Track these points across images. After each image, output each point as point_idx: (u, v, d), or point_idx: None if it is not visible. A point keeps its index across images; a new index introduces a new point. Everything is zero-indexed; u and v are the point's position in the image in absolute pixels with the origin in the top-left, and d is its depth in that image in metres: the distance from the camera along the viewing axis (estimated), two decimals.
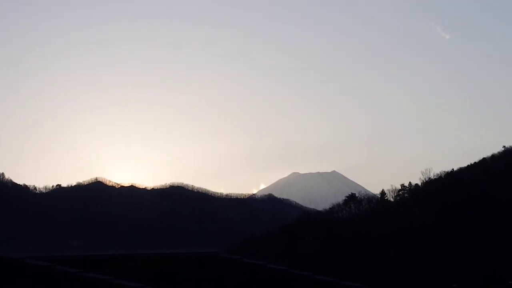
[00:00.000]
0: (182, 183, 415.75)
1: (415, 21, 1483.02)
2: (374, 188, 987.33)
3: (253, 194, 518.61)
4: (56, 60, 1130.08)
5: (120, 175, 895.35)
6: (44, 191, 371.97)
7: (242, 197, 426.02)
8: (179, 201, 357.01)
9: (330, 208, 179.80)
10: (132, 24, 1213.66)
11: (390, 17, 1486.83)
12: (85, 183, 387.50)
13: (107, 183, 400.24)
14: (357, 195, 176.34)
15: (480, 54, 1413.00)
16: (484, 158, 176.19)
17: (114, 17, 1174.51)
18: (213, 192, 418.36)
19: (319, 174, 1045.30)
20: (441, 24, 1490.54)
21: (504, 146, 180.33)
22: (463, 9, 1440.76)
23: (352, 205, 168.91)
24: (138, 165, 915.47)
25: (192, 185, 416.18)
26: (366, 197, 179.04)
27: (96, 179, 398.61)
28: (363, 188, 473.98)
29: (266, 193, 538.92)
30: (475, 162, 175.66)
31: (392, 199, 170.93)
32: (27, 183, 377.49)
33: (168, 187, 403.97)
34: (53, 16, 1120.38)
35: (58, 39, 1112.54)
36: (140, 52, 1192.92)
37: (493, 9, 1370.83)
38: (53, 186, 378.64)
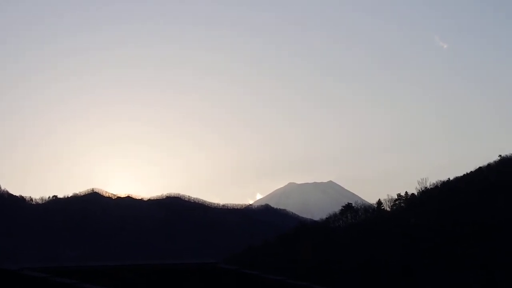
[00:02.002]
0: (179, 194, 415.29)
1: (411, 30, 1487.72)
2: (370, 197, 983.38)
3: (250, 204, 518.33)
4: (58, 76, 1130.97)
5: (116, 186, 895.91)
6: (40, 202, 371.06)
7: (238, 207, 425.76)
8: (176, 211, 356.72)
9: (326, 218, 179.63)
10: (134, 45, 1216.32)
11: (385, 27, 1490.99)
12: (82, 194, 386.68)
13: (104, 194, 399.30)
14: (353, 205, 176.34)
15: (476, 64, 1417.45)
16: (480, 167, 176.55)
17: (119, 37, 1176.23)
18: (210, 202, 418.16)
19: (315, 184, 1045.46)
20: (439, 33, 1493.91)
21: (500, 155, 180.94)
22: (459, 19, 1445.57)
23: (348, 214, 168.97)
24: (134, 176, 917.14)
25: (189, 196, 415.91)
26: (362, 206, 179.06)
27: (93, 190, 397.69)
28: (359, 198, 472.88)
29: (263, 203, 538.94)
30: (471, 171, 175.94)
31: (388, 209, 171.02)
32: (24, 194, 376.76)
33: (164, 197, 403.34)
34: (52, 28, 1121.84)
35: (64, 56, 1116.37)
36: (136, 72, 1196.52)
37: (490, 20, 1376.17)
38: (49, 197, 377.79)
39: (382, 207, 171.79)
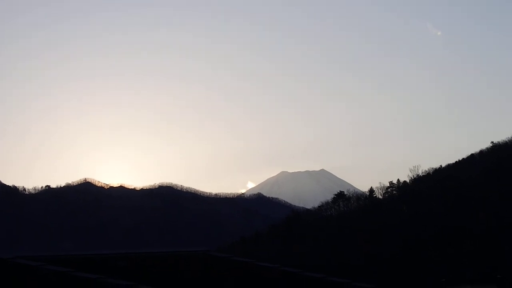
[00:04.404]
0: (171, 183, 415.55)
1: (403, 19, 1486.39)
2: (362, 186, 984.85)
3: (242, 193, 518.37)
4: (48, 64, 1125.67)
5: (109, 175, 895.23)
6: (33, 192, 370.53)
7: (231, 197, 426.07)
8: (168, 201, 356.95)
9: (319, 206, 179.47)
10: (127, 31, 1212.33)
11: (377, 16, 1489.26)
12: (74, 184, 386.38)
13: (96, 183, 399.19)
14: (345, 193, 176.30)
15: (468, 52, 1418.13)
16: (472, 154, 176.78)
17: (110, 23, 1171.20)
18: (202, 191, 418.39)
19: (307, 172, 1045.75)
20: (432, 21, 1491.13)
21: (492, 142, 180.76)
22: (452, 8, 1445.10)
23: (341, 203, 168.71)
24: (126, 166, 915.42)
25: (181, 185, 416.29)
26: (354, 195, 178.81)
27: (85, 180, 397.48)
28: (351, 186, 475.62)
29: (255, 192, 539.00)
30: (463, 158, 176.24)
31: (380, 196, 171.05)
32: (16, 184, 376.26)
33: (157, 187, 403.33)
34: (48, 20, 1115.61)
35: (53, 43, 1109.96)
36: (131, 58, 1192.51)
37: (483, 7, 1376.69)
38: (42, 187, 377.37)
39: (374, 195, 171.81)
